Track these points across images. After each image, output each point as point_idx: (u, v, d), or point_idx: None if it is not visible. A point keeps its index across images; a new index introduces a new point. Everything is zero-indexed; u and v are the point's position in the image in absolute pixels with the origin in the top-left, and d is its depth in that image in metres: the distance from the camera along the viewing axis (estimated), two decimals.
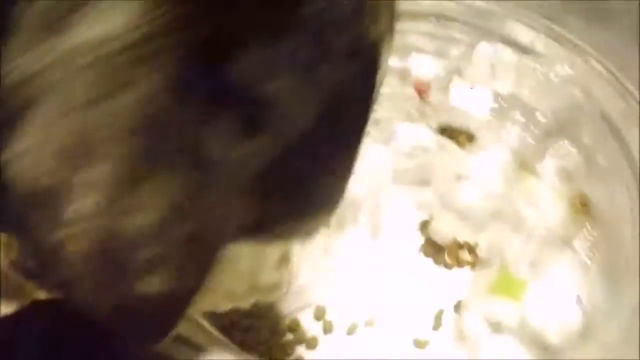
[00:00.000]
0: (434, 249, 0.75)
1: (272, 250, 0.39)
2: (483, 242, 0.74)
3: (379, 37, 0.29)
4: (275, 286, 0.42)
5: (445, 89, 0.86)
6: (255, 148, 0.25)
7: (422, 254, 0.75)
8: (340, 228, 0.74)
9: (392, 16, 0.31)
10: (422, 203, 0.78)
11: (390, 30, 0.31)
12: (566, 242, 0.71)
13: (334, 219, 0.49)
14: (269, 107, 0.24)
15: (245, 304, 0.43)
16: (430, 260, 0.75)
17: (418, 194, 0.78)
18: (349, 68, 0.28)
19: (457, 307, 0.70)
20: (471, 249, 0.75)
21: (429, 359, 0.66)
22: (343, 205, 0.36)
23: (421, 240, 0.76)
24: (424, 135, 0.82)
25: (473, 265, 0.74)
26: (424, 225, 0.76)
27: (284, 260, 0.41)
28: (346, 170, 0.34)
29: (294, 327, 0.65)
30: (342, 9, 0.25)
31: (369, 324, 0.69)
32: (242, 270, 0.37)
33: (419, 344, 0.67)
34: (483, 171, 0.78)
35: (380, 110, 0.82)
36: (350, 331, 0.68)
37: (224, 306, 0.44)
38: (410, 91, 0.87)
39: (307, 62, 0.25)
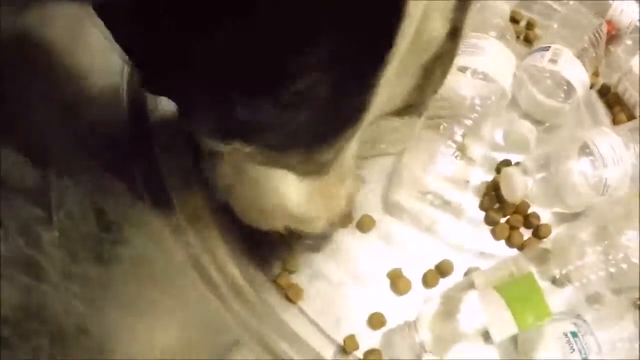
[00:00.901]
0: (494, 202, 0.55)
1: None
2: (555, 235, 0.53)
3: None
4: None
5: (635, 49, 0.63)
6: None
7: (476, 196, 0.55)
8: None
9: None
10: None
11: None
12: None
13: None
14: None
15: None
16: (479, 215, 0.55)
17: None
18: None
19: (468, 275, 0.51)
20: (537, 232, 0.54)
21: None
22: None
23: (487, 179, 0.55)
24: (579, 77, 0.59)
25: (520, 248, 0.53)
26: (503, 164, 0.56)
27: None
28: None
29: None
30: None
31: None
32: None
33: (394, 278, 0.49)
34: (626, 166, 0.54)
35: (550, 28, 0.63)
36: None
37: None
38: (596, 26, 0.63)
39: None
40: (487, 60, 0.57)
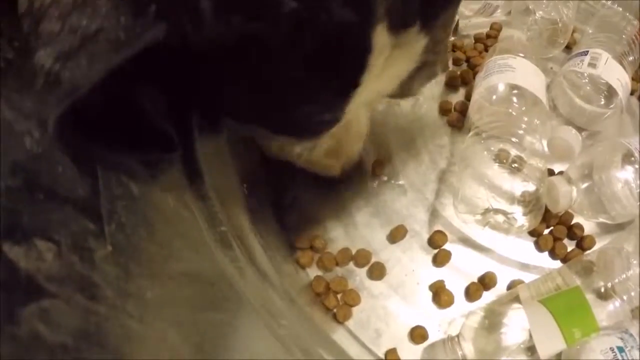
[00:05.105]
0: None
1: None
2: (600, 246, 0.51)
3: None
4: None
5: None
6: None
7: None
8: None
9: None
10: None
11: None
12: None
13: None
14: None
15: None
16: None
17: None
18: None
19: (512, 287, 0.49)
20: (581, 243, 0.52)
21: None
22: None
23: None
24: (620, 80, 0.57)
25: (564, 260, 0.51)
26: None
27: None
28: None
29: None
30: None
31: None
32: None
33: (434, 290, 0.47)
34: None
35: (587, 32, 0.61)
36: None
37: None
38: (635, 29, 0.61)
39: None
40: (516, 75, 0.55)
